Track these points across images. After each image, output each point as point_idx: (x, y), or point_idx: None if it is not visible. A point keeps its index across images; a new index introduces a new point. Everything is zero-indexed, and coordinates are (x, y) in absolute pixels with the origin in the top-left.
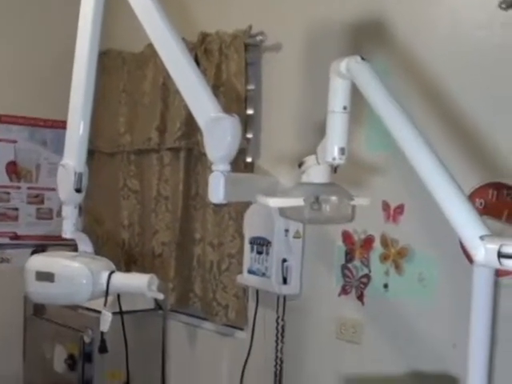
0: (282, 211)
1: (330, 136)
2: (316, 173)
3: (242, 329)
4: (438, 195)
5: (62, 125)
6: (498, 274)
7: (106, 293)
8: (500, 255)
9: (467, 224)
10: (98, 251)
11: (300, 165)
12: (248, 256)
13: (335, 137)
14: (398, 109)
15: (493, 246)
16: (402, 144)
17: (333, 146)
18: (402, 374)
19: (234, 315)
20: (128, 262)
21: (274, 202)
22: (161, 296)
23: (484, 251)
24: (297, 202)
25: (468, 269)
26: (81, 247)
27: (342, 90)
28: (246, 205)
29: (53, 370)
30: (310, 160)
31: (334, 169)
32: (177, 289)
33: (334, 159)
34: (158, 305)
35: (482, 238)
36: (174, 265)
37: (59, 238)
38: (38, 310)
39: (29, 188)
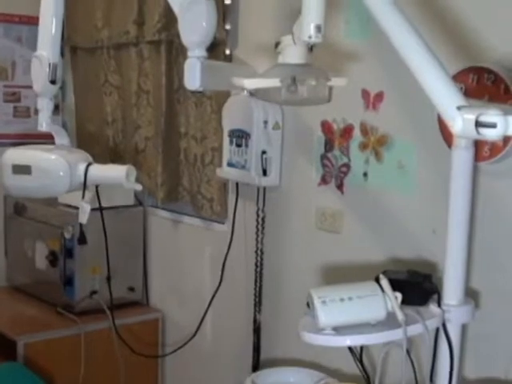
0: (259, 94)
1: (305, 13)
2: (292, 53)
3: (222, 222)
4: (417, 69)
5: (37, 21)
6: (477, 158)
7: (84, 184)
8: (478, 125)
9: (445, 95)
10: (89, 150)
11: (276, 45)
12: (227, 149)
13: (311, 14)
14: None
15: (470, 116)
16: (383, 22)
17: (308, 24)
18: (382, 261)
19: (219, 208)
20: (114, 158)
21: (250, 84)
22: (139, 187)
23: (461, 121)
24: (273, 82)
25: (448, 155)
26: (57, 140)
27: None
28: (228, 97)
29: (35, 268)
30: (286, 40)
31: (310, 48)
32: (166, 183)
33: (310, 37)
34: (139, 201)
35: (459, 108)
36: (161, 160)
37: (37, 135)
38: (18, 209)
39: (5, 86)
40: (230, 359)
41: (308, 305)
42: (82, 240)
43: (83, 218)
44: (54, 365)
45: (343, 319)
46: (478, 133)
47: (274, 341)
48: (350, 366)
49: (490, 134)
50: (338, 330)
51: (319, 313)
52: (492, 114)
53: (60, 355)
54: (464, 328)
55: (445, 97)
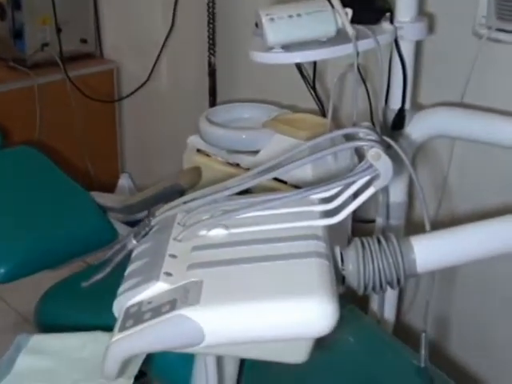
0: None
1: None
2: None
3: None
4: None
5: None
6: None
7: None
8: None
9: None
10: None
11: None
12: None
13: None
14: None
15: None
16: None
17: None
18: None
19: None
20: None
21: None
22: None
23: None
24: None
25: None
26: None
27: None
28: None
29: None
30: None
31: None
32: None
33: None
34: None
35: None
36: None
37: None
38: None
39: None
40: (186, 103)
41: (256, 25)
42: None
43: None
44: (9, 118)
45: (292, 36)
46: None
47: (230, 84)
48: (306, 102)
49: None
50: (288, 48)
51: (267, 31)
52: None
53: (14, 108)
54: (418, 48)
55: None
